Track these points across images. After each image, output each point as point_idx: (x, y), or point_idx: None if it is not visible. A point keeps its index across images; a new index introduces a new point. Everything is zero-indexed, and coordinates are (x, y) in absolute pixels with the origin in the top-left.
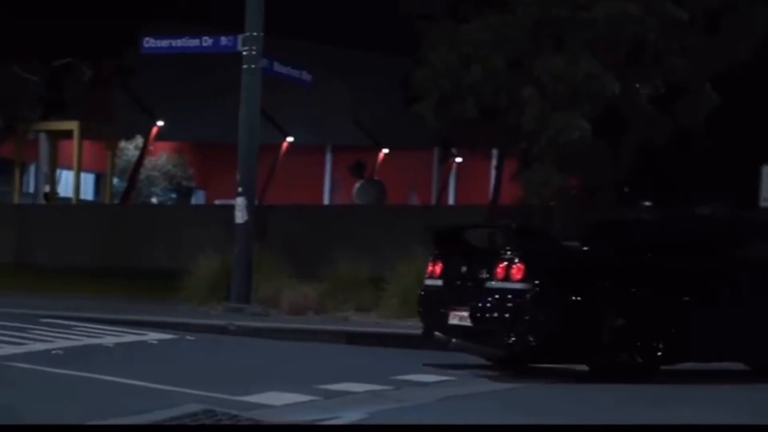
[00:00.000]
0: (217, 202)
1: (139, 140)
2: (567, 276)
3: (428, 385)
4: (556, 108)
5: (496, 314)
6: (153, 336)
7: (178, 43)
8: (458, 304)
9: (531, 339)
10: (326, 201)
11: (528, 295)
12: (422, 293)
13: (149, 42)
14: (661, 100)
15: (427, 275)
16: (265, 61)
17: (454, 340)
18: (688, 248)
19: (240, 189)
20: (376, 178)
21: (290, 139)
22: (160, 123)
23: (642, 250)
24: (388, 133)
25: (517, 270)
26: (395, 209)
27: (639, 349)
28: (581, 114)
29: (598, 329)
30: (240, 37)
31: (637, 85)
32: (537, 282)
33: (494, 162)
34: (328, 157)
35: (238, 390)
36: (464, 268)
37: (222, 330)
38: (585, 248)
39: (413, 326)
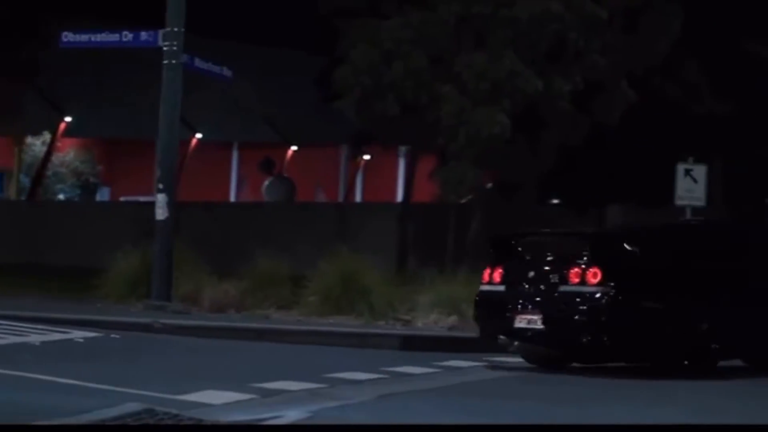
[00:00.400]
0: (122, 198)
1: (46, 136)
2: (639, 279)
3: (362, 383)
4: (477, 105)
5: (571, 317)
6: (78, 334)
7: (98, 37)
8: (526, 308)
9: (606, 339)
10: (232, 198)
11: (604, 298)
12: (479, 299)
13: (68, 36)
14: (579, 97)
15: (484, 281)
16: (186, 56)
17: (516, 343)
18: (737, 253)
19: (160, 185)
20: (285, 174)
21: (199, 135)
22: (68, 119)
23: (699, 255)
24: (296, 130)
25: (593, 274)
26: (307, 206)
27: (699, 347)
28: (502, 110)
29: (665, 330)
30: (161, 32)
31: (558, 83)
32: (612, 284)
33: (402, 159)
34: (235, 154)
35: (174, 388)
36: (532, 273)
37: (146, 328)
38: (642, 251)
39: (348, 324)
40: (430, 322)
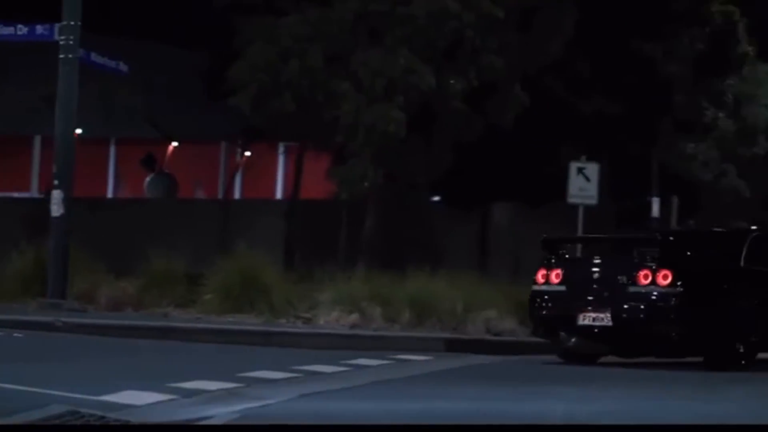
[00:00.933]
0: None
1: None
2: (702, 280)
3: (277, 381)
4: (373, 102)
5: (642, 315)
6: None
7: None
8: (593, 307)
9: (674, 335)
10: (110, 194)
11: (674, 299)
12: (535, 298)
13: None
14: (474, 97)
15: (539, 282)
16: (83, 51)
17: (573, 339)
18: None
19: (56, 181)
20: (166, 171)
21: (78, 131)
22: None
23: (745, 259)
24: (177, 126)
25: (664, 276)
26: (192, 203)
27: (744, 342)
28: (397, 107)
29: (722, 326)
30: (57, 26)
31: (452, 81)
32: (680, 284)
33: (282, 157)
34: (113, 150)
35: (91, 389)
36: (597, 275)
37: (48, 326)
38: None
39: (249, 322)
40: (332, 320)
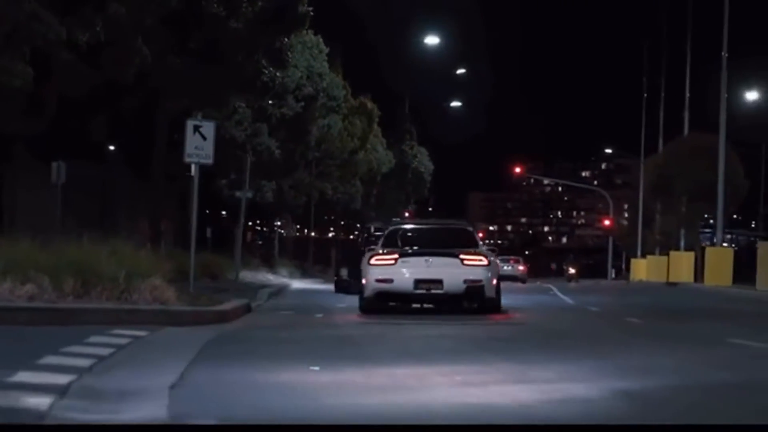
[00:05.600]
0: None
1: None
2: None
3: (90, 369)
4: None
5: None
6: None
7: None
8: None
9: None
10: None
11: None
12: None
13: None
14: (93, 49)
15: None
16: None
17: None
18: None
19: None
20: None
21: None
22: None
23: None
24: None
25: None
26: None
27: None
28: (23, 59)
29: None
30: None
31: (78, 32)
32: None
33: None
34: None
35: None
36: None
37: None
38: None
39: None
40: (5, 291)
